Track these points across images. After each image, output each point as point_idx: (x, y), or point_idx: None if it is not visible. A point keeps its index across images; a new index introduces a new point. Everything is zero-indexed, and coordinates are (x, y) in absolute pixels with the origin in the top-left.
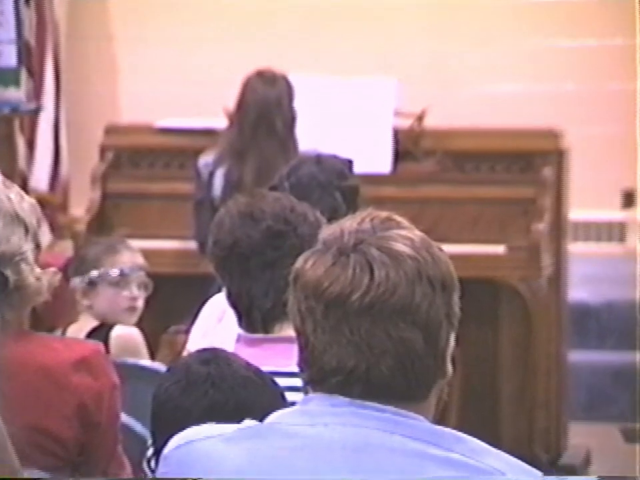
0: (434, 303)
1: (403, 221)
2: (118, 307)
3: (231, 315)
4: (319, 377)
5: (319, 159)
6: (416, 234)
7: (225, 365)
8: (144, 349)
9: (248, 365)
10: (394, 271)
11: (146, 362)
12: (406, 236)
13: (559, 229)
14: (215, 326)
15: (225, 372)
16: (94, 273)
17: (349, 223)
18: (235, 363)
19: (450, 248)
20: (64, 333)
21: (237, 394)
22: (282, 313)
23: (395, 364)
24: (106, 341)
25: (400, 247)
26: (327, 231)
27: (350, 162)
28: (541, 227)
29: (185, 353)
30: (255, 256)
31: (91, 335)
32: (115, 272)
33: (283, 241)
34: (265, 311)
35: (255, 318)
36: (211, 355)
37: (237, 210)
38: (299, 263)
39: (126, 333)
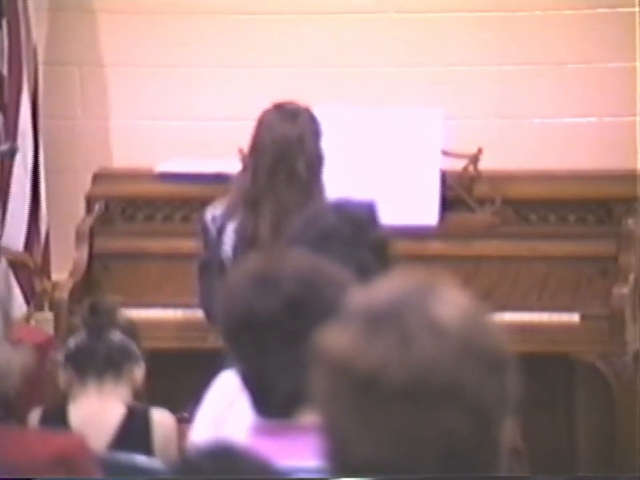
0: (484, 383)
1: (447, 283)
2: None
3: (245, 398)
4: (347, 473)
5: (337, 208)
6: (462, 298)
7: (239, 463)
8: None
9: (266, 462)
10: (435, 343)
11: (142, 459)
12: (450, 301)
13: None
14: (226, 411)
15: (238, 471)
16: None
17: (380, 285)
18: (250, 460)
19: (512, 316)
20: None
21: None
22: (306, 395)
23: (437, 458)
24: (146, 428)
25: (443, 313)
26: (355, 295)
27: (371, 206)
28: (625, 290)
29: (189, 446)
30: (274, 328)
31: (125, 423)
32: None
33: (307, 309)
34: (286, 393)
35: (275, 402)
36: (221, 450)
37: (251, 273)
38: (322, 334)
39: (167, 418)
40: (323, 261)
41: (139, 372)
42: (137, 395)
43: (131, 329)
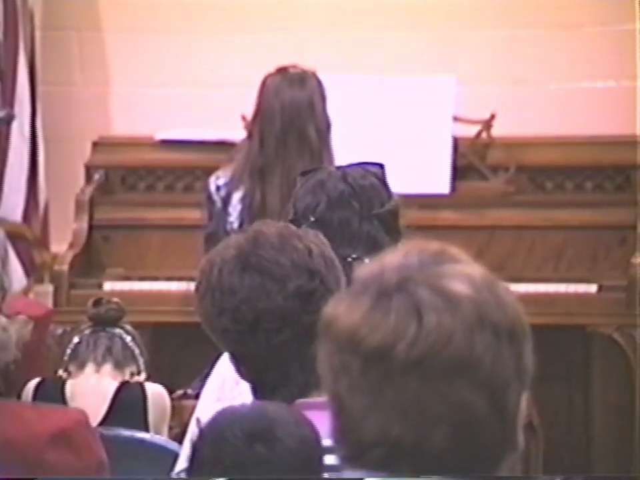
0: (499, 356)
1: (460, 254)
2: None
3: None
4: (357, 450)
5: (344, 175)
6: (476, 270)
7: (280, 444)
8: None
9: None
10: (448, 316)
11: (144, 435)
12: (463, 272)
13: None
14: (232, 388)
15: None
16: None
17: (390, 257)
18: (290, 437)
19: (527, 287)
20: (59, 397)
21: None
22: (318, 384)
23: (451, 433)
24: (141, 402)
25: (456, 285)
26: (365, 268)
27: (381, 167)
28: None
29: (193, 422)
30: (287, 327)
31: (118, 393)
32: None
33: (317, 300)
34: (301, 384)
35: (287, 394)
36: (261, 427)
37: (242, 265)
38: (330, 307)
39: (162, 392)
40: (305, 233)
41: (139, 365)
42: None
43: (135, 338)
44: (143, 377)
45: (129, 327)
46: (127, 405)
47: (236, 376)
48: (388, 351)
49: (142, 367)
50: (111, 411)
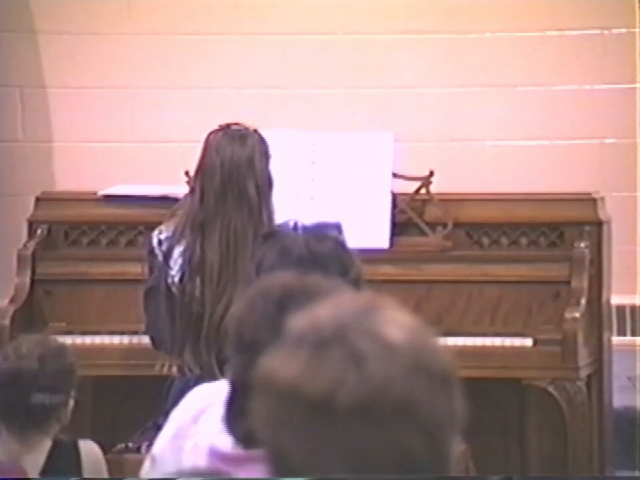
0: (435, 400)
1: (388, 302)
2: None
3: (211, 415)
4: None
5: (307, 242)
6: (407, 317)
7: None
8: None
9: None
10: (387, 362)
11: None
12: (397, 319)
13: (599, 317)
14: (189, 427)
15: None
16: None
17: (323, 309)
18: None
19: (464, 341)
20: None
21: None
22: None
23: (392, 475)
24: (75, 461)
25: (392, 332)
26: (297, 320)
27: (338, 227)
28: (577, 314)
29: (146, 464)
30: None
31: (52, 454)
32: None
33: None
34: None
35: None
36: None
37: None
38: (266, 361)
39: (95, 449)
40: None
41: (65, 412)
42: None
43: (61, 357)
44: (69, 405)
45: (54, 348)
46: (60, 466)
47: (195, 414)
48: (330, 399)
49: (69, 397)
50: (45, 472)
